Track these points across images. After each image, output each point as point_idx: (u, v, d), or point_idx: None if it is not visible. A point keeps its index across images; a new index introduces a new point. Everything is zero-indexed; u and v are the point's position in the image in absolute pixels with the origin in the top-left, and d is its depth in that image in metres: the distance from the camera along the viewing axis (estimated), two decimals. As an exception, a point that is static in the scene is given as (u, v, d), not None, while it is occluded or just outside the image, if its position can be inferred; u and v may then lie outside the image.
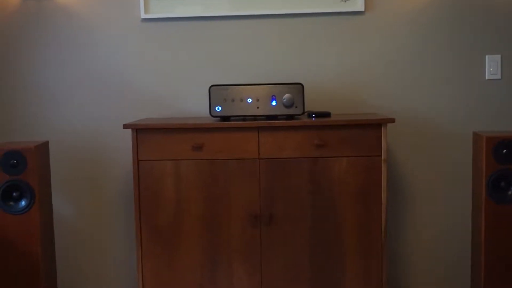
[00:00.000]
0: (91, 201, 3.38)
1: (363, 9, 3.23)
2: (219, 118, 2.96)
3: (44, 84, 3.33)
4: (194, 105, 3.30)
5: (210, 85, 2.94)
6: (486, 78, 3.25)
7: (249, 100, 2.90)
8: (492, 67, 3.25)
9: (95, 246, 3.40)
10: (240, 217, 2.88)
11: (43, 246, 2.94)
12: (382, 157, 2.85)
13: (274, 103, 2.90)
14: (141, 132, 2.87)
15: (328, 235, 2.88)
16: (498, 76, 3.25)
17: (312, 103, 3.19)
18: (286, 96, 2.89)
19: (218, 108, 2.91)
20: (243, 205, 2.88)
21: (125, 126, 2.87)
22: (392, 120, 2.85)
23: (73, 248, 3.39)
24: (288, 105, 2.90)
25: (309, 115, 2.99)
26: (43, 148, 3.01)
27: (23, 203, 2.89)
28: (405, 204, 3.32)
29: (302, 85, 2.90)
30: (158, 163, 2.88)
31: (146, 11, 3.27)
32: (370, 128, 2.85)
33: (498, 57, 3.24)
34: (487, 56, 3.24)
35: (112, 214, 3.38)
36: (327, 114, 3.01)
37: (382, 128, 2.84)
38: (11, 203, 2.90)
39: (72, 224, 3.39)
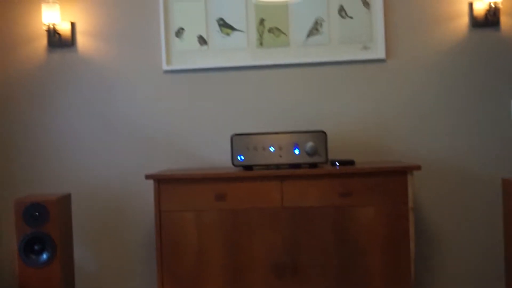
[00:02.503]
0: (113, 252, 3.34)
1: (384, 57, 3.22)
2: (241, 168, 2.93)
3: (66, 135, 3.35)
4: (216, 155, 3.28)
5: (231, 134, 2.92)
6: (513, 122, 3.21)
7: (272, 149, 2.87)
8: (518, 112, 3.20)
9: (117, 299, 3.34)
10: (264, 267, 2.82)
11: (64, 300, 2.90)
12: (409, 205, 2.78)
13: (297, 151, 2.87)
14: (163, 182, 2.85)
15: (356, 287, 2.79)
16: (525, 121, 3.20)
17: (335, 151, 3.15)
18: (309, 144, 2.86)
19: (241, 157, 2.88)
20: (266, 255, 2.82)
21: (147, 177, 2.86)
22: (418, 167, 2.80)
23: (94, 302, 3.34)
24: (311, 153, 2.86)
25: (333, 163, 2.95)
26: (65, 200, 3.00)
27: (44, 256, 2.86)
28: (434, 253, 3.22)
29: (325, 133, 2.87)
30: (181, 214, 2.85)
31: (168, 63, 3.30)
32: (396, 176, 2.80)
33: (523, 102, 3.20)
34: (512, 101, 3.21)
35: (134, 266, 3.33)
36: (351, 162, 2.96)
37: (408, 175, 2.79)
38: (33, 256, 2.87)
39: (94, 277, 3.34)
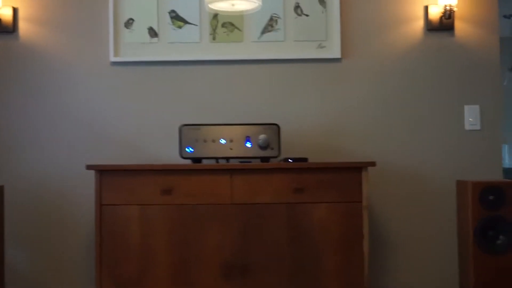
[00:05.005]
0: (49, 251, 3.12)
1: (339, 56, 3.16)
2: (190, 160, 2.78)
3: (4, 126, 3.14)
4: (164, 150, 3.12)
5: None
6: (466, 128, 3.16)
7: (222, 141, 2.74)
8: (471, 117, 3.17)
9: (50, 301, 3.11)
10: (212, 268, 2.65)
11: (-9, 301, 2.65)
12: (363, 204, 2.69)
13: (248, 144, 2.75)
14: (106, 174, 2.67)
15: (308, 287, 2.65)
16: (478, 127, 3.17)
17: (288, 150, 3.05)
18: (262, 136, 2.74)
19: (189, 149, 2.73)
20: (215, 255, 2.66)
21: (88, 167, 2.67)
22: (373, 164, 2.71)
23: (26, 307, 3.09)
24: (264, 146, 2.74)
25: (285, 160, 2.83)
26: (-2, 192, 2.78)
27: (-29, 253, 2.63)
28: (388, 252, 3.13)
29: (278, 126, 2.77)
30: (123, 208, 2.67)
31: (115, 54, 3.15)
32: (350, 172, 2.70)
33: (476, 108, 3.17)
34: (465, 106, 3.17)
35: (72, 265, 3.11)
36: (303, 160, 2.85)
37: (363, 172, 2.70)
38: (-42, 251, 2.63)
39: (27, 277, 3.11)
